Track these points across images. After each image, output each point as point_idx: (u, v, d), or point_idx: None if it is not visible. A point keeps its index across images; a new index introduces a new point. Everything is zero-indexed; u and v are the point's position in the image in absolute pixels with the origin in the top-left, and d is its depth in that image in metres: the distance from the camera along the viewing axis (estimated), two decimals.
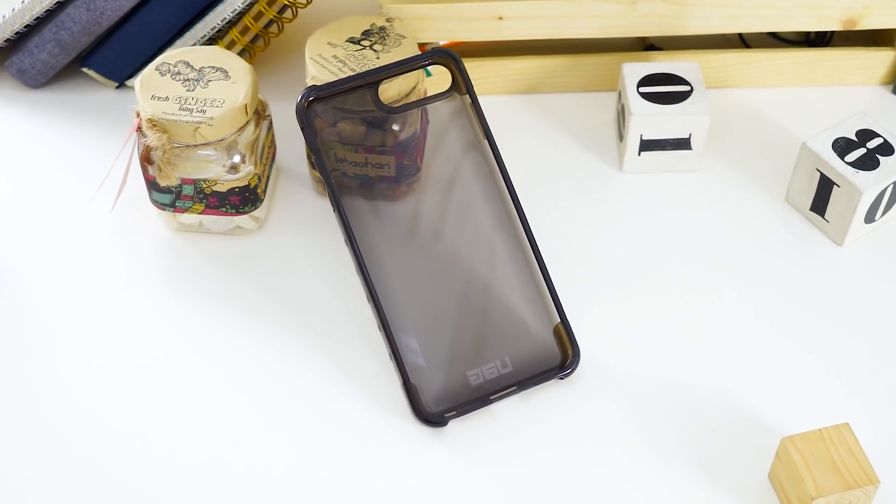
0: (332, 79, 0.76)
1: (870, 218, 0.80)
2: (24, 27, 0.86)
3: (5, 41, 0.87)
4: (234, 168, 0.76)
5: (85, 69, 0.88)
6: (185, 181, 0.76)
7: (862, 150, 0.79)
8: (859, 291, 0.78)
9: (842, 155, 0.79)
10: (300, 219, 0.81)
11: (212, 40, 0.86)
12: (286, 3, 0.84)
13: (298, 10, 0.85)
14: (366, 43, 0.78)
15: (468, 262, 0.73)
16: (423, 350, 0.72)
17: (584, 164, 0.84)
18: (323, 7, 0.91)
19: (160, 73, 0.76)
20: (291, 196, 0.82)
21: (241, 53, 0.87)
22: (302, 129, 0.73)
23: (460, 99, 0.75)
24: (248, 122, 0.76)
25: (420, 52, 0.77)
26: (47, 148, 0.85)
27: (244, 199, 0.78)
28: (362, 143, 0.76)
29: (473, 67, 0.87)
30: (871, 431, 0.71)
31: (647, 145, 0.82)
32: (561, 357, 0.74)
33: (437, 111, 0.76)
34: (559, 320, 0.74)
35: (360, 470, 0.70)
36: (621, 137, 0.84)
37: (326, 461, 0.70)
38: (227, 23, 0.85)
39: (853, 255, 0.80)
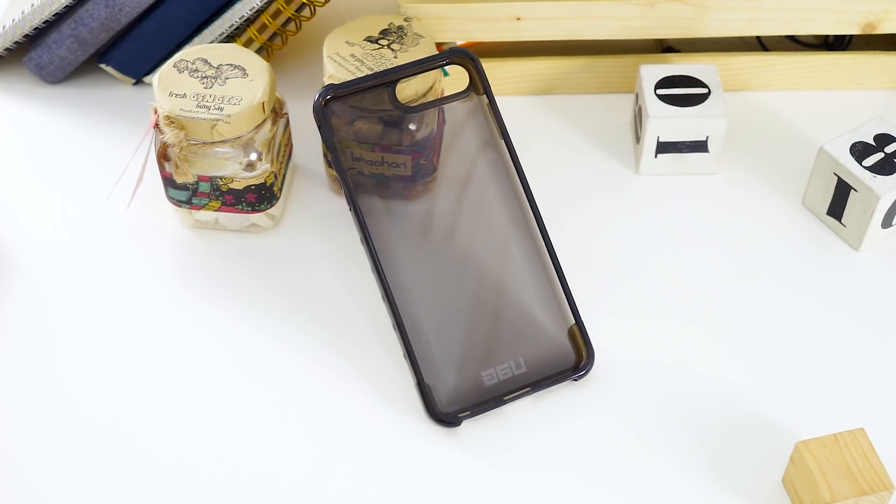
0: (350, 77, 0.76)
1: (887, 223, 0.79)
2: (43, 23, 0.86)
3: (24, 36, 0.87)
4: (250, 166, 0.76)
5: (102, 65, 0.88)
6: (201, 178, 0.77)
7: (880, 155, 0.79)
8: (875, 296, 0.77)
9: (859, 159, 0.79)
10: (316, 217, 0.81)
11: (230, 38, 0.86)
12: (304, 1, 0.84)
13: (316, 8, 0.85)
14: (384, 42, 0.78)
15: (484, 262, 0.73)
16: (438, 349, 0.72)
17: (601, 166, 0.84)
18: (341, 6, 0.91)
19: (178, 69, 0.76)
20: (307, 194, 0.82)
21: (258, 51, 0.87)
22: (319, 128, 0.73)
23: (477, 99, 0.75)
24: (264, 120, 0.76)
25: (438, 52, 0.76)
26: (65, 143, 0.85)
27: (260, 197, 0.78)
28: (379, 142, 0.76)
29: (491, 68, 0.87)
30: (887, 438, 0.70)
31: (663, 147, 0.82)
32: (575, 358, 0.74)
33: (454, 111, 0.76)
34: (574, 321, 0.73)
35: (372, 470, 0.70)
36: (638, 139, 0.84)
37: (339, 460, 0.70)
38: (244, 20, 0.85)
39: (869, 260, 0.79)
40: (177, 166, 0.75)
